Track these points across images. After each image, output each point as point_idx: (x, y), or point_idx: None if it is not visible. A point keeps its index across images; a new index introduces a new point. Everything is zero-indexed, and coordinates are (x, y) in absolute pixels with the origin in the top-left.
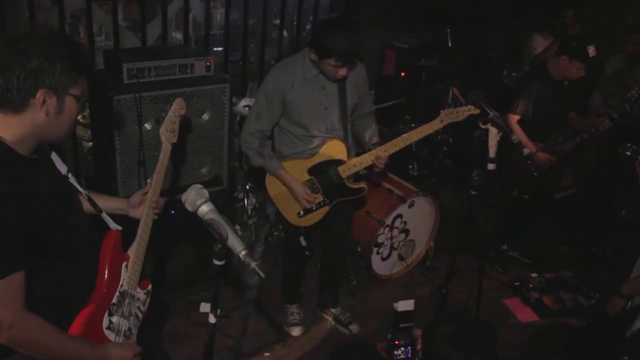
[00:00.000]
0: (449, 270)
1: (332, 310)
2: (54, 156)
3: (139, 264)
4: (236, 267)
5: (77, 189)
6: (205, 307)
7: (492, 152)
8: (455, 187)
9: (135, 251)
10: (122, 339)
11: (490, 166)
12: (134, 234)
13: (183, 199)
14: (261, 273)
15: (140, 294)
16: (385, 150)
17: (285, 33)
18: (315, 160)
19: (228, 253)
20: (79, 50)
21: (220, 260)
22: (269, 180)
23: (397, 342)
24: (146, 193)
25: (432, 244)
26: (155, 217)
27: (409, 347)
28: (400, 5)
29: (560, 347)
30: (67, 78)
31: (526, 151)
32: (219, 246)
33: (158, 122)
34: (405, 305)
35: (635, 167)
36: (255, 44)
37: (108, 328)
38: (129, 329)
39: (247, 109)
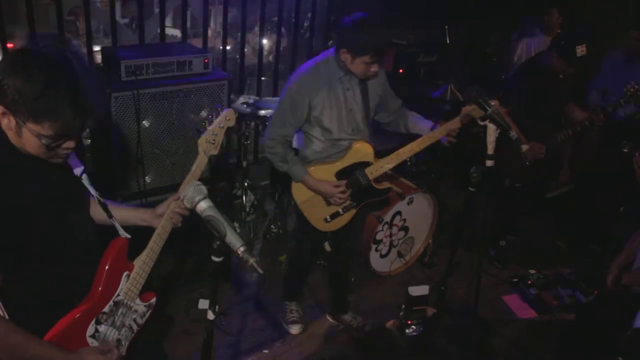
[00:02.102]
0: (447, 267)
1: (344, 316)
2: (72, 156)
3: (143, 275)
4: (235, 263)
5: (88, 191)
6: (203, 303)
7: (490, 149)
8: (453, 183)
9: (142, 262)
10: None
11: (489, 163)
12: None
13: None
14: (259, 269)
15: (140, 306)
16: (410, 150)
17: (283, 30)
18: (343, 163)
19: (226, 250)
20: (58, 97)
21: (218, 256)
22: (296, 187)
23: (409, 322)
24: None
25: (430, 240)
26: (179, 224)
27: (420, 326)
28: (399, 2)
29: (559, 344)
30: (22, 112)
31: (525, 147)
32: (218, 243)
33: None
34: (419, 290)
35: (634, 163)
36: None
37: (92, 336)
38: (118, 340)
39: (245, 106)
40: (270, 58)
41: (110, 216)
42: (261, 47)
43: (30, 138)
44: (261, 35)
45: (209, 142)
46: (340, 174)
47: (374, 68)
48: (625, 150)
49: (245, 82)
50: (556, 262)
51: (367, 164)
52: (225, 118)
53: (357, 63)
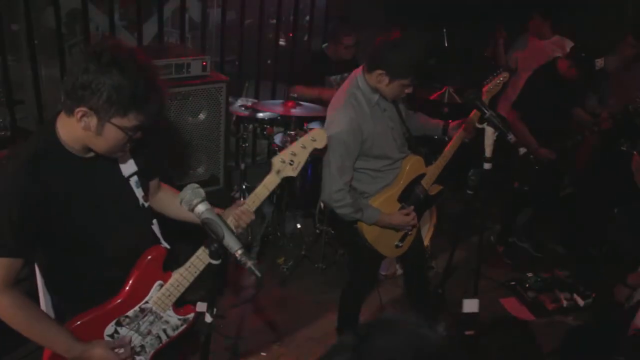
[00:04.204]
0: (445, 270)
1: None
2: (125, 156)
3: (179, 288)
4: (233, 266)
5: (134, 194)
6: (201, 306)
7: (488, 152)
8: (452, 186)
9: (179, 275)
10: (120, 350)
11: (487, 166)
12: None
13: (179, 199)
14: (257, 272)
15: (173, 317)
16: (452, 148)
17: (281, 32)
18: (402, 185)
19: (224, 252)
20: (146, 86)
21: (216, 259)
22: (365, 227)
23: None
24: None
25: (428, 244)
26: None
27: None
28: (397, 5)
29: (557, 347)
30: (112, 108)
31: (522, 150)
32: (215, 245)
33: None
34: (470, 305)
35: (632, 162)
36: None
37: (110, 336)
38: (142, 347)
39: (243, 108)
40: (268, 61)
41: (150, 222)
42: (260, 49)
43: (112, 134)
44: (260, 37)
45: (286, 163)
46: (401, 197)
47: (409, 90)
48: (624, 148)
49: (244, 85)
50: (554, 265)
51: (422, 177)
52: (310, 138)
53: (394, 86)
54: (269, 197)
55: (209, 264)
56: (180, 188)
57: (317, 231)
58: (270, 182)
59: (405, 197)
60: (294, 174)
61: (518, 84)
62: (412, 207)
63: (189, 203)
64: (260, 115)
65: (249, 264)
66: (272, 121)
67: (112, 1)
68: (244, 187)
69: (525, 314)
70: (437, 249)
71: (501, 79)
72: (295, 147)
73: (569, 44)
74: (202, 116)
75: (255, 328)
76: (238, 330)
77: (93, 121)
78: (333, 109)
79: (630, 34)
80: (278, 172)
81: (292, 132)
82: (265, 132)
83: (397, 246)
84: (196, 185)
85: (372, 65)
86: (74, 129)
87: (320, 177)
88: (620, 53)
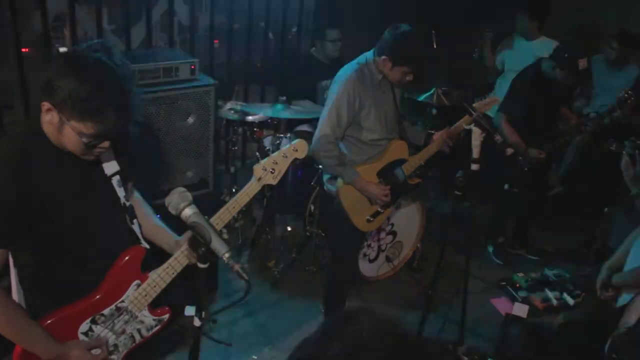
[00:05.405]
0: (435, 271)
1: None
2: (108, 155)
3: (155, 289)
4: (223, 269)
5: (115, 193)
6: (190, 310)
7: (475, 153)
8: (441, 187)
9: (157, 276)
10: (97, 351)
11: (474, 167)
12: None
13: (166, 203)
14: (245, 275)
15: (148, 318)
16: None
17: (270, 35)
18: (383, 162)
19: (212, 256)
20: (103, 99)
21: (204, 263)
22: (343, 190)
23: None
24: None
25: (419, 245)
26: (194, 261)
27: None
28: (385, 7)
29: (547, 346)
30: (71, 110)
31: (509, 151)
32: (203, 249)
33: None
34: (520, 309)
35: (621, 162)
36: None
37: (84, 333)
38: (115, 346)
39: (232, 112)
40: (258, 64)
41: (131, 222)
42: (248, 52)
43: (71, 135)
44: (249, 41)
45: (267, 171)
46: (380, 173)
47: (410, 78)
48: (612, 148)
49: (234, 88)
50: (543, 264)
51: (403, 161)
52: (292, 149)
53: (396, 71)
54: (259, 200)
55: (187, 266)
56: (169, 192)
57: (308, 234)
58: (251, 189)
59: (385, 174)
60: (274, 182)
61: (505, 86)
62: (388, 186)
63: (176, 207)
64: (250, 118)
65: (237, 267)
66: (261, 124)
67: (100, 4)
68: (233, 190)
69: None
70: (427, 250)
71: (492, 101)
72: (277, 156)
73: (554, 45)
74: (191, 119)
75: (246, 331)
76: (229, 334)
77: (55, 118)
78: (344, 72)
79: (615, 38)
80: (259, 179)
81: (281, 135)
82: (255, 135)
83: (368, 220)
84: (183, 189)
85: (379, 51)
86: (46, 123)
87: (310, 180)
88: (606, 55)
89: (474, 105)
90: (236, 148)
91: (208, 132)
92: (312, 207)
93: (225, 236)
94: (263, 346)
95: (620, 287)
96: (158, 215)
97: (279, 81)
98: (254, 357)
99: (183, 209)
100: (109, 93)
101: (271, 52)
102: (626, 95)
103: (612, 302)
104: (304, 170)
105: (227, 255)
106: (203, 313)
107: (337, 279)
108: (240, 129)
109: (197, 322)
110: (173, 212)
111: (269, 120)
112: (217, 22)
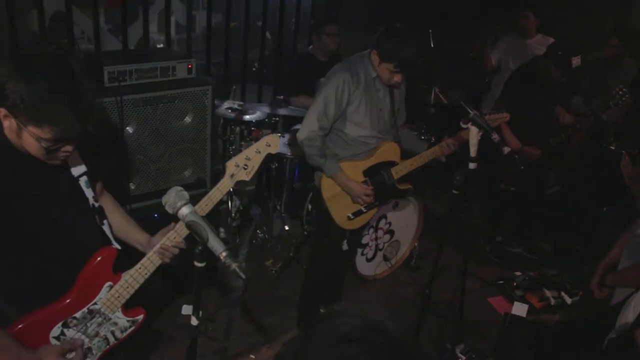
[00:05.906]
0: (433, 270)
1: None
2: (74, 157)
3: (129, 290)
4: (221, 269)
5: (84, 194)
6: (187, 309)
7: (473, 152)
8: (439, 186)
9: (130, 277)
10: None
11: (472, 165)
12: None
13: (163, 202)
14: (242, 274)
15: (122, 319)
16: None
17: (268, 35)
18: (371, 161)
19: (210, 255)
20: (54, 101)
21: (201, 262)
22: (325, 182)
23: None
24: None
25: (416, 244)
26: (167, 260)
27: None
28: (381, 6)
29: (545, 345)
30: (25, 115)
31: (506, 150)
32: (200, 248)
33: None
34: (519, 309)
35: (621, 161)
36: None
37: (56, 338)
38: (89, 349)
39: (229, 111)
40: (255, 64)
41: (101, 223)
42: (245, 51)
43: (30, 140)
44: (245, 39)
45: (240, 167)
46: (367, 172)
47: (397, 78)
48: (612, 147)
49: (231, 88)
50: (541, 263)
51: (393, 164)
52: (265, 143)
53: (382, 68)
54: (257, 200)
55: (161, 265)
56: (166, 191)
57: (305, 233)
58: (224, 186)
59: (371, 174)
60: (247, 178)
61: (502, 84)
62: (371, 187)
63: (173, 206)
64: (247, 117)
65: (234, 266)
66: (258, 123)
67: (96, 4)
68: (231, 189)
69: None
70: (424, 249)
71: (501, 117)
72: (249, 151)
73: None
74: (188, 119)
75: (244, 330)
76: (227, 333)
77: (13, 124)
78: (337, 67)
79: (615, 35)
80: (232, 175)
81: (279, 134)
82: (252, 135)
83: (349, 217)
84: (180, 188)
85: (372, 44)
86: (6, 129)
87: (307, 179)
88: (605, 53)
89: (485, 117)
90: (234, 147)
91: (205, 131)
92: (310, 207)
93: (223, 235)
94: (261, 345)
95: (614, 285)
96: (156, 215)
97: (278, 82)
98: (252, 356)
99: (180, 208)
100: (60, 96)
101: (268, 51)
102: (620, 92)
103: (608, 300)
104: (300, 170)
105: (224, 254)
106: (200, 312)
107: (310, 277)
108: (237, 128)
109: (194, 322)
110: (170, 211)
111: (267, 120)
112: (214, 22)
